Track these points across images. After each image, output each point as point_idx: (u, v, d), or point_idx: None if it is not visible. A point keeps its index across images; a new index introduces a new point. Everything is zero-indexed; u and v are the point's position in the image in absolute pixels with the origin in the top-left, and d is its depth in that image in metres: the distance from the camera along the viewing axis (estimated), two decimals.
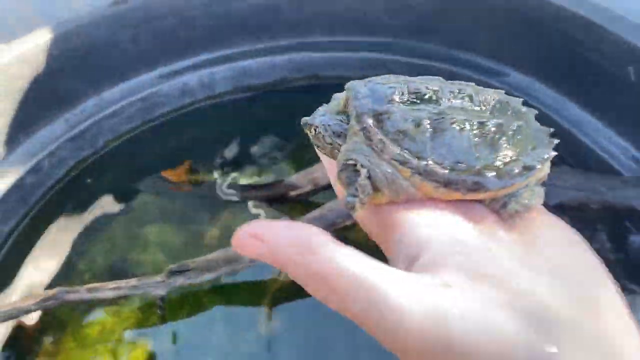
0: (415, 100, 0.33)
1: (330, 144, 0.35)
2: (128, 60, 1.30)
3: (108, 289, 0.96)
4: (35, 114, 1.20)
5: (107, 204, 1.21)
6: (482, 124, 0.32)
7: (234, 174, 1.25)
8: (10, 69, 1.12)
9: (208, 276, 0.99)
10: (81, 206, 1.21)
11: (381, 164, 0.32)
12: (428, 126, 0.31)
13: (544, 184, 0.35)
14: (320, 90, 1.42)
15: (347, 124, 0.34)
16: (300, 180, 1.13)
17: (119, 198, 1.23)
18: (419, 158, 0.31)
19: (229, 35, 1.37)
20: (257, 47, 1.40)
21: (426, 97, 0.33)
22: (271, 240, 0.26)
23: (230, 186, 1.21)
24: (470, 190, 0.31)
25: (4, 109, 1.13)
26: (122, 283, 0.98)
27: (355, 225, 1.15)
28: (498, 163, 0.32)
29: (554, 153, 0.33)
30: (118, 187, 1.26)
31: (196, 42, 1.36)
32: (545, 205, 0.95)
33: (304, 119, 0.37)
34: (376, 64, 1.40)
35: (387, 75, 0.36)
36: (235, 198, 1.20)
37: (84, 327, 1.04)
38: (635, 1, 1.14)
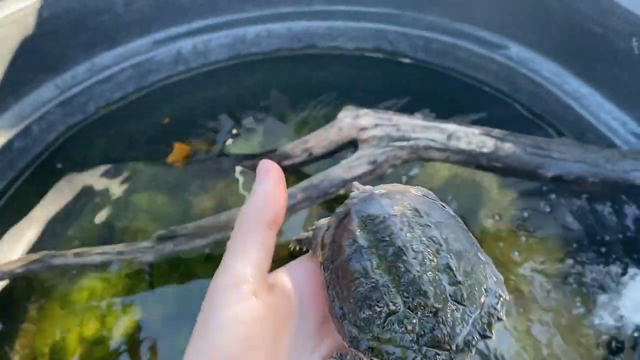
0: None
1: None
2: (121, 25, 1.28)
3: (94, 254, 0.95)
4: (24, 77, 1.17)
5: (97, 172, 1.19)
6: None
7: (228, 144, 1.23)
8: (0, 30, 1.10)
9: (198, 242, 0.97)
10: (71, 173, 1.19)
11: None
12: None
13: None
14: (318, 60, 1.39)
15: None
16: (294, 149, 1.10)
17: (109, 165, 1.20)
18: None
19: (226, 1, 1.34)
20: (255, 15, 1.37)
21: None
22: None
23: (221, 154, 1.19)
24: None
25: None
26: (109, 248, 0.96)
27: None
28: None
29: None
30: (109, 154, 1.24)
31: (191, 8, 1.33)
32: (543, 176, 0.92)
33: None
34: (377, 35, 1.37)
35: None
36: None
37: (72, 293, 1.02)
38: None
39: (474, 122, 1.01)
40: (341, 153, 1.07)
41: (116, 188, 1.17)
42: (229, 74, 1.36)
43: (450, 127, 0.99)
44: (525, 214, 1.07)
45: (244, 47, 1.37)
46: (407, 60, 1.37)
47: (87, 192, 1.16)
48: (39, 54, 1.18)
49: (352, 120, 1.03)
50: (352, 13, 1.38)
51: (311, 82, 1.36)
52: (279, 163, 1.13)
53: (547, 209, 1.07)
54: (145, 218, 1.13)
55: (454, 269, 0.30)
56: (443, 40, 1.32)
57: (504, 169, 0.96)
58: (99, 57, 1.27)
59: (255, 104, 1.31)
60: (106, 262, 0.96)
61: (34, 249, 1.06)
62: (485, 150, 0.96)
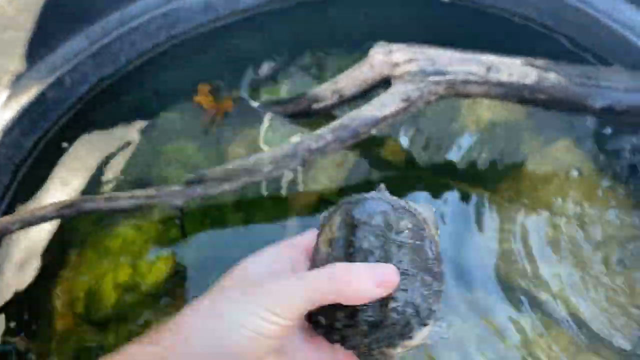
0: None
1: None
2: None
3: (125, 198, 0.94)
4: (55, 29, 1.17)
5: (130, 122, 1.19)
6: None
7: (257, 91, 1.20)
8: None
9: (227, 186, 0.95)
10: (104, 124, 1.19)
11: None
12: None
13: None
14: (356, 4, 1.33)
15: None
16: (324, 92, 1.07)
17: (142, 116, 1.20)
18: None
19: None
20: None
21: None
22: None
23: (251, 101, 1.17)
24: None
25: (23, 21, 1.11)
26: (139, 192, 0.95)
27: (385, 140, 1.09)
28: None
29: None
30: (141, 105, 1.23)
31: None
32: (591, 107, 0.85)
33: None
34: None
35: None
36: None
37: (105, 239, 1.03)
38: None
39: None
40: (374, 94, 1.03)
41: (148, 138, 1.17)
42: (257, 23, 1.32)
43: (490, 58, 0.93)
44: (573, 155, 1.01)
45: None
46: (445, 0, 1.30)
47: (120, 143, 1.15)
48: (67, 5, 1.17)
49: (384, 56, 0.98)
50: None
51: (342, 27, 1.31)
52: (309, 107, 1.10)
53: (597, 148, 1.00)
54: (177, 167, 1.12)
55: None
56: None
57: (549, 101, 0.90)
58: (128, 8, 1.25)
59: (284, 52, 1.27)
60: (136, 207, 0.95)
61: (68, 197, 1.07)
62: (528, 81, 0.90)
